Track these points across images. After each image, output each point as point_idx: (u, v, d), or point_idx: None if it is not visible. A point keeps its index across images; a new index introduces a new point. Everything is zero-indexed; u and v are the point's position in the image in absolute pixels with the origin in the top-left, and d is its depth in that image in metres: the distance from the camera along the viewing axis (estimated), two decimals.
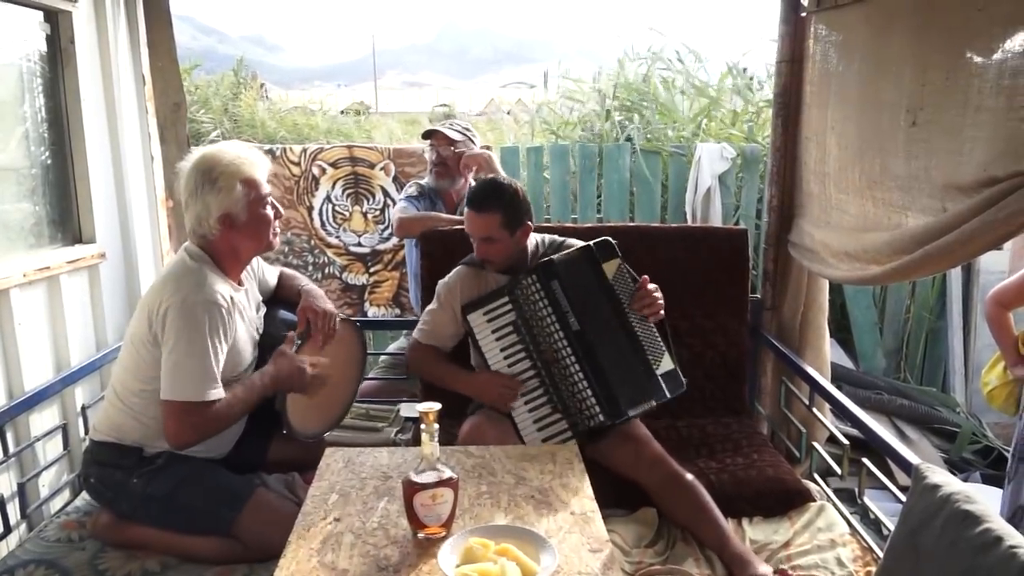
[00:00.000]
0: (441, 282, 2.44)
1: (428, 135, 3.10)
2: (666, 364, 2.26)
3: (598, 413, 2.21)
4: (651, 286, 2.26)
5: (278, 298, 2.32)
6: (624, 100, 4.98)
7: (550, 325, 2.25)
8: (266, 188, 2.05)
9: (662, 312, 2.26)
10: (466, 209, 2.29)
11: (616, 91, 5.12)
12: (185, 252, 2.03)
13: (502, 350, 2.28)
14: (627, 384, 2.22)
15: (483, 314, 2.29)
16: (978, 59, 1.74)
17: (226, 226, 1.98)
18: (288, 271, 2.42)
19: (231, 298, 1.99)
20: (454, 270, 2.45)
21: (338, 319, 2.27)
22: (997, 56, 1.68)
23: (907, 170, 2.00)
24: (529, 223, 2.32)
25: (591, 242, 2.30)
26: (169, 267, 2.06)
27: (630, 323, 2.24)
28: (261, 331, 2.18)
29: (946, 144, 1.84)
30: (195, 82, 6.68)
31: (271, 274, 2.34)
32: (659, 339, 2.26)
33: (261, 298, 2.23)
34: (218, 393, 1.91)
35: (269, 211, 2.05)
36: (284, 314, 2.26)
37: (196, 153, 2.02)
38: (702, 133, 4.76)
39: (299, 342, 2.16)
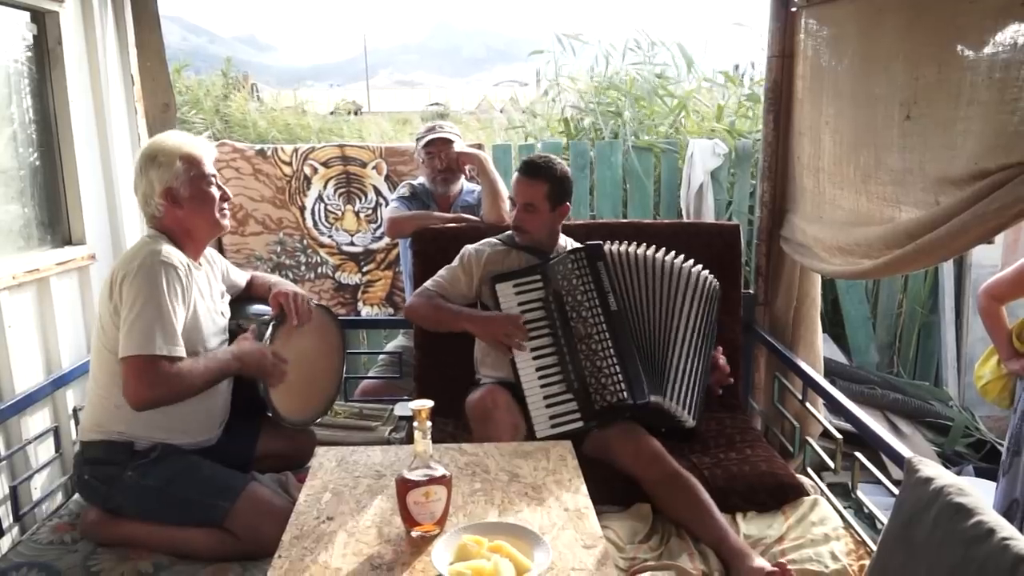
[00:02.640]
0: (468, 246, 2.51)
1: (431, 143, 3.02)
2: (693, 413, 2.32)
3: (623, 390, 2.22)
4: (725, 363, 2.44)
5: (251, 298, 2.36)
6: (599, 100, 4.96)
7: (589, 299, 2.31)
8: (210, 169, 2.10)
9: (721, 385, 2.45)
10: (516, 174, 2.43)
11: (594, 89, 5.11)
12: (144, 236, 2.09)
13: (525, 323, 2.31)
14: (671, 378, 2.28)
15: (512, 286, 2.35)
16: (970, 52, 1.74)
17: (169, 201, 2.03)
18: (260, 274, 2.48)
19: (188, 266, 2.02)
20: (483, 240, 2.53)
21: (312, 303, 2.31)
22: (988, 49, 1.68)
23: (901, 164, 2.00)
24: (568, 204, 2.45)
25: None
26: (129, 248, 2.11)
27: (708, 352, 2.37)
28: (227, 316, 2.20)
29: (939, 138, 1.84)
30: (185, 83, 6.64)
31: (238, 275, 2.38)
32: (703, 393, 2.35)
33: (224, 288, 2.25)
34: (178, 350, 1.91)
35: (214, 191, 2.10)
36: (256, 307, 2.28)
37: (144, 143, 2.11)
38: (682, 129, 4.75)
39: (274, 323, 2.19)
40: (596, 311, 2.30)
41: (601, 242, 2.40)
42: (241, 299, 2.33)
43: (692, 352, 2.32)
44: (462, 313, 2.39)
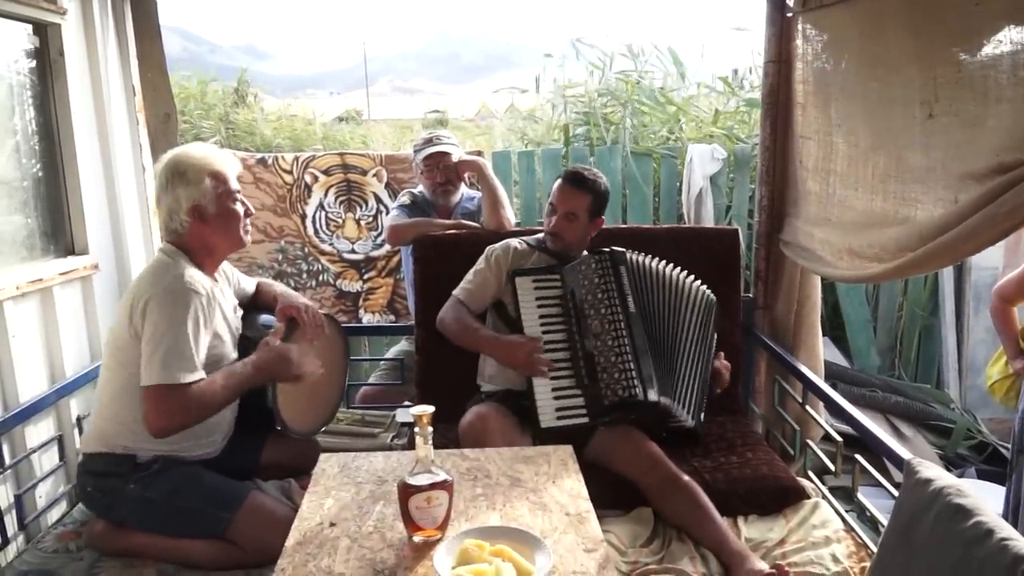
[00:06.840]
0: (492, 245, 2.57)
1: (429, 157, 3.02)
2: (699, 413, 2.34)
3: (635, 385, 2.22)
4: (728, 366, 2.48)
5: (257, 306, 2.35)
6: (593, 107, 4.99)
7: (609, 298, 2.35)
8: (235, 185, 2.10)
9: (723, 384, 2.45)
10: (560, 182, 2.46)
11: (589, 97, 5.13)
12: (161, 252, 2.07)
13: (540, 317, 2.37)
14: (674, 380, 2.30)
15: (532, 280, 2.41)
16: (992, 51, 1.73)
17: (196, 218, 2.03)
18: (265, 280, 2.47)
19: (210, 288, 2.02)
20: (505, 240, 2.58)
21: (321, 313, 2.31)
22: (1007, 48, 1.67)
23: (925, 162, 1.97)
24: (603, 219, 2.52)
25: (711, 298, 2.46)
26: (147, 266, 2.10)
27: (710, 358, 2.39)
28: (240, 331, 2.20)
29: (966, 135, 1.81)
30: (210, 99, 6.68)
31: (247, 283, 2.38)
32: (704, 396, 2.38)
33: (237, 301, 2.25)
34: (196, 375, 1.90)
35: (239, 207, 2.10)
36: (265, 318, 2.29)
37: (167, 154, 2.09)
38: (682, 135, 4.76)
39: (283, 336, 2.18)
40: (616, 310, 2.32)
41: (624, 250, 2.44)
42: (247, 309, 2.32)
43: (696, 359, 2.35)
44: (484, 338, 2.40)
